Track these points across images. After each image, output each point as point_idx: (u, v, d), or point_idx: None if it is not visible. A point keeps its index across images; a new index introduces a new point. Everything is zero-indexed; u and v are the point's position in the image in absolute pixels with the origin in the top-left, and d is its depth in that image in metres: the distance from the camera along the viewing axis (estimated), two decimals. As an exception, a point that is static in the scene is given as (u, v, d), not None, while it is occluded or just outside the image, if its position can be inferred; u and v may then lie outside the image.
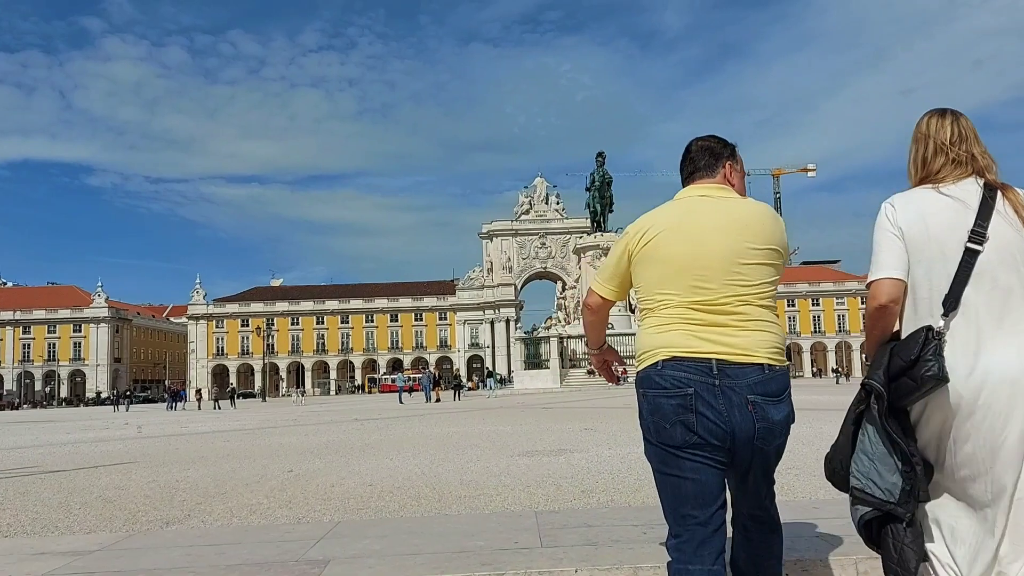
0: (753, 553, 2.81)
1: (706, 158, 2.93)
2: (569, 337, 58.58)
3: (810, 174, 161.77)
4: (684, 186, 2.94)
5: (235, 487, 6.73)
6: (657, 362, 2.59)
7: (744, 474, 2.66)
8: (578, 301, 62.75)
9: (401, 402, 36.91)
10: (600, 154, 64.32)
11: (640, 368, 2.66)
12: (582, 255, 63.23)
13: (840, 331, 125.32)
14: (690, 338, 2.59)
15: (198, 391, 67.11)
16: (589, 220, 68.36)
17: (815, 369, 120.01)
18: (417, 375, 61.86)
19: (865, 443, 2.56)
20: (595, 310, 2.94)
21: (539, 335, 62.86)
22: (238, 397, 63.01)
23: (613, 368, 3.13)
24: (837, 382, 62.82)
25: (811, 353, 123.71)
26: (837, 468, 2.66)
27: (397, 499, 5.70)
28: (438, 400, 37.43)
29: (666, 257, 2.68)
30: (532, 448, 9.11)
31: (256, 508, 5.53)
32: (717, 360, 2.55)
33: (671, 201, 2.90)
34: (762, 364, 2.59)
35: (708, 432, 2.49)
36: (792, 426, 2.61)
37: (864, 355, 3.61)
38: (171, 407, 50.98)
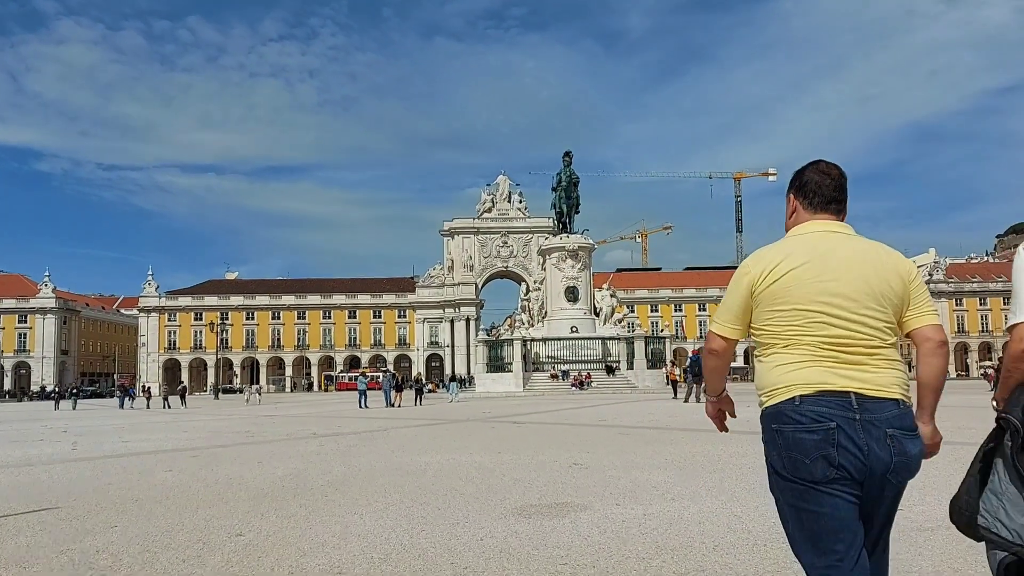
0: None
1: (839, 192, 2.89)
2: (533, 340, 57.53)
3: (771, 178, 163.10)
4: (805, 213, 2.90)
5: (165, 569, 5.36)
6: (794, 397, 2.63)
7: (870, 511, 2.67)
8: (542, 303, 61.74)
9: (362, 406, 35.39)
10: (567, 153, 63.34)
11: (770, 404, 2.71)
12: (547, 256, 62.17)
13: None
14: (827, 374, 2.62)
15: (146, 388, 64.77)
16: (554, 220, 67.23)
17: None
18: (376, 374, 60.11)
19: (995, 481, 2.50)
20: (720, 353, 2.92)
21: (503, 337, 61.59)
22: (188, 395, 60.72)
23: (726, 417, 3.17)
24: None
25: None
26: (963, 508, 2.61)
27: (376, 604, 4.43)
28: (398, 405, 35.97)
29: (798, 294, 2.70)
30: (525, 500, 7.85)
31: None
32: (856, 394, 2.59)
33: (796, 236, 2.86)
34: (897, 400, 2.64)
35: (850, 465, 2.55)
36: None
37: (994, 399, 3.06)
38: (122, 405, 50.14)
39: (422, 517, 7.05)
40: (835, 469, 2.58)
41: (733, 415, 3.17)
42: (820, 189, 2.88)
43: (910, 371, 2.68)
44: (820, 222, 2.86)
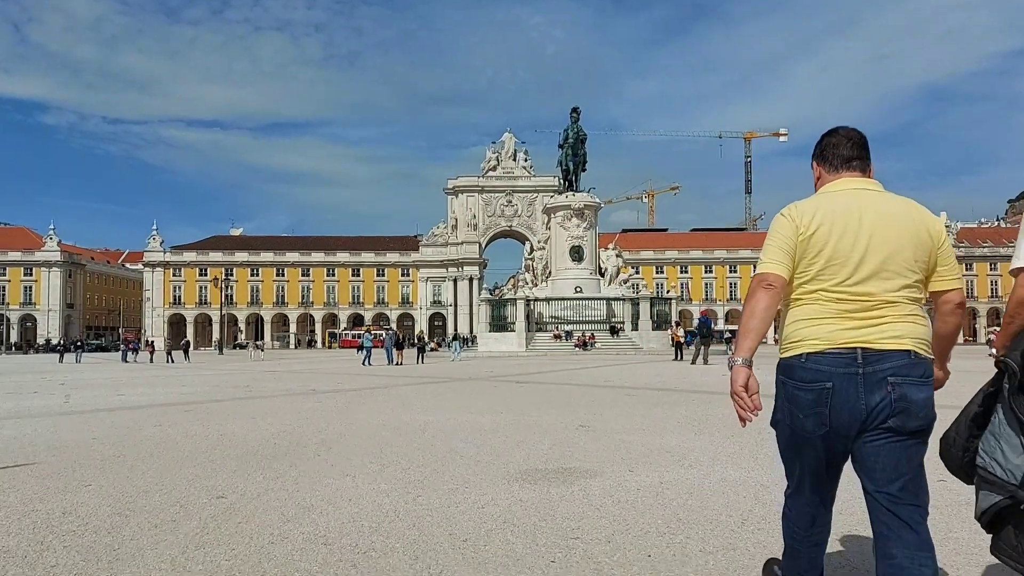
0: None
1: (859, 151, 2.97)
2: (536, 300, 56.98)
3: (782, 138, 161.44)
4: (828, 175, 3.00)
5: (134, 535, 4.84)
6: (801, 354, 2.81)
7: (874, 460, 2.77)
8: (546, 263, 61.05)
9: (366, 363, 35.08)
10: (575, 109, 62.02)
11: (784, 355, 2.91)
12: (552, 215, 61.30)
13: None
14: (838, 331, 2.76)
15: (150, 343, 64.68)
16: (560, 178, 66.16)
17: (777, 336, 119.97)
18: (379, 332, 59.68)
19: (995, 423, 2.61)
20: (775, 288, 2.84)
21: (505, 297, 61.08)
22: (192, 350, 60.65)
23: (752, 403, 2.85)
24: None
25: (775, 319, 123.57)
26: (951, 448, 2.78)
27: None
28: (400, 363, 35.60)
29: (830, 247, 2.79)
30: (529, 463, 7.31)
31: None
32: (863, 349, 2.73)
33: (827, 192, 2.93)
34: (909, 351, 2.76)
35: (839, 423, 2.75)
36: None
37: (993, 348, 2.90)
38: (125, 358, 50.46)
39: (418, 480, 6.53)
40: (825, 427, 2.78)
41: (758, 405, 2.84)
42: (837, 150, 2.96)
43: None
44: (848, 179, 2.92)
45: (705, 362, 30.72)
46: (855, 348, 2.73)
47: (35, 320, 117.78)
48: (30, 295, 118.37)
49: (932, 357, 2.86)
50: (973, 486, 2.71)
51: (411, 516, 5.25)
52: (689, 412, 11.83)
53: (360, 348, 39.39)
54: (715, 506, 5.46)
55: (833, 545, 4.35)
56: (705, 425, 10.10)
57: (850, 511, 4.92)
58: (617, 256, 61.49)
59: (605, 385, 18.92)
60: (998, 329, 3.23)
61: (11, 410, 13.91)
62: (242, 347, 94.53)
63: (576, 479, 6.48)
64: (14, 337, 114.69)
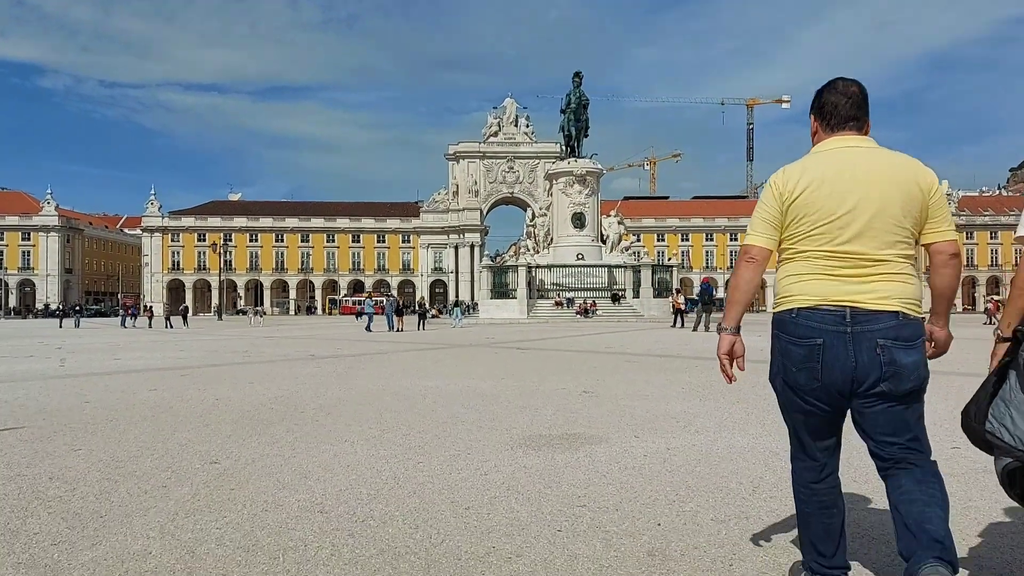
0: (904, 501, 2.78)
1: (857, 110, 2.93)
2: (538, 267, 56.75)
3: (784, 105, 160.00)
4: (824, 133, 2.98)
5: (123, 501, 4.66)
6: (792, 309, 2.85)
7: (870, 420, 2.83)
8: (548, 230, 60.72)
9: (368, 329, 34.98)
10: (577, 74, 61.16)
11: (777, 310, 2.96)
12: (554, 181, 60.76)
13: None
14: (827, 288, 2.78)
15: (148, 308, 64.54)
16: (562, 144, 65.49)
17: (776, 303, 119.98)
18: (380, 298, 59.45)
19: (1005, 390, 2.68)
20: (757, 261, 2.95)
21: (507, 264, 60.79)
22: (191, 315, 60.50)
23: (734, 366, 3.07)
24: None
25: (774, 287, 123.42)
26: (971, 417, 2.82)
27: (362, 550, 3.70)
28: (401, 329, 35.46)
29: (816, 208, 2.80)
30: (533, 429, 7.13)
31: (133, 572, 3.47)
32: (851, 308, 2.74)
33: (817, 152, 2.95)
34: (897, 312, 2.75)
35: (831, 380, 2.78)
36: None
37: (995, 321, 2.85)
38: (124, 324, 50.21)
39: (419, 446, 6.34)
40: (817, 382, 2.81)
41: (742, 367, 3.06)
42: (836, 110, 2.93)
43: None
44: (840, 138, 2.91)
45: (707, 329, 30.56)
46: (844, 306, 2.75)
47: (34, 285, 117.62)
48: (28, 260, 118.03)
49: (922, 317, 2.86)
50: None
51: (411, 483, 5.06)
52: (693, 378, 11.66)
53: (359, 315, 39.26)
54: (724, 473, 5.27)
55: (848, 516, 4.16)
56: (709, 391, 9.92)
57: (864, 479, 4.73)
58: (619, 223, 61.10)
59: (607, 352, 18.75)
60: (996, 298, 3.12)
61: (3, 374, 13.74)
62: (242, 313, 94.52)
63: (581, 445, 6.29)
64: (13, 302, 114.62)
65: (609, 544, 3.78)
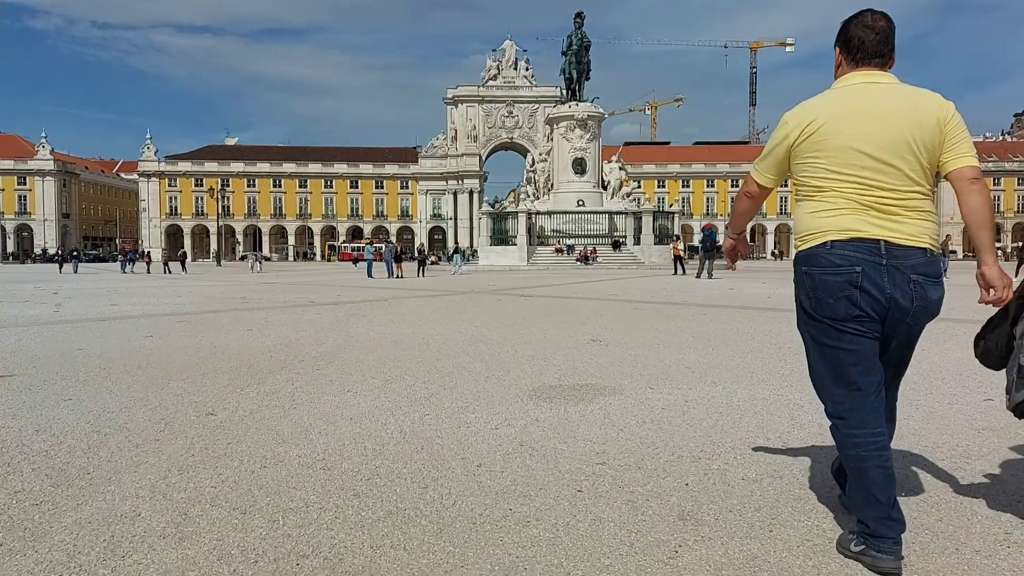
0: None
1: (883, 45, 2.88)
2: (538, 213, 56.21)
3: (788, 48, 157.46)
4: (848, 67, 2.93)
5: (112, 456, 4.38)
6: (826, 242, 2.81)
7: (885, 348, 2.92)
8: (548, 176, 59.99)
9: (370, 275, 34.75)
10: (579, 14, 59.72)
11: (804, 247, 2.91)
12: (555, 126, 59.84)
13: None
14: (859, 222, 2.77)
15: (146, 253, 64.15)
16: (563, 87, 64.33)
17: (777, 251, 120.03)
18: (380, 244, 58.97)
19: None
20: (755, 197, 3.16)
21: (507, 210, 60.14)
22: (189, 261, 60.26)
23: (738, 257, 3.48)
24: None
25: (775, 234, 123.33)
26: (992, 347, 3.10)
27: (368, 512, 3.42)
28: (400, 276, 35.16)
29: (835, 145, 2.78)
30: (542, 380, 6.85)
31: (120, 536, 3.19)
32: (885, 242, 2.74)
33: (838, 87, 2.92)
34: (925, 248, 2.79)
35: (870, 307, 2.78)
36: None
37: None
38: (124, 268, 50.49)
39: (425, 398, 6.06)
40: (856, 308, 2.78)
41: (744, 255, 3.50)
42: (863, 45, 2.87)
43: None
44: (862, 73, 2.87)
45: (709, 276, 30.27)
46: (878, 240, 2.75)
47: (31, 230, 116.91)
48: (25, 204, 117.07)
49: (941, 253, 3.08)
50: (1006, 376, 3.07)
51: (418, 437, 4.78)
52: (702, 327, 11.37)
53: (355, 261, 38.94)
54: (749, 427, 4.99)
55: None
56: (721, 340, 9.64)
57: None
58: (620, 169, 60.31)
59: (610, 299, 18.46)
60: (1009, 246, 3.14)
61: (-1, 320, 13.44)
62: (242, 259, 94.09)
63: (594, 397, 6.01)
64: (11, 247, 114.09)
65: (635, 506, 3.50)
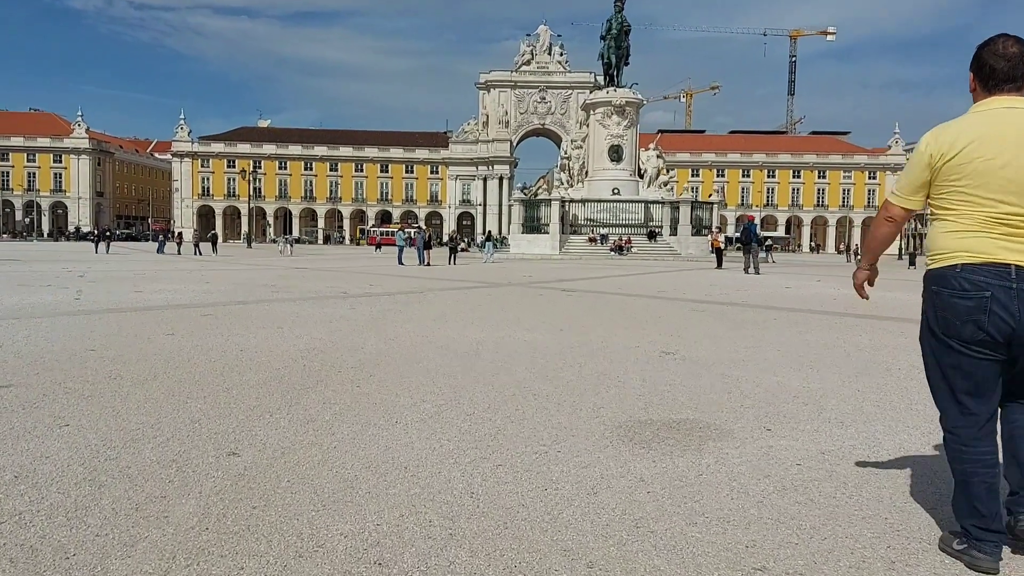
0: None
1: (1016, 71, 2.86)
2: (571, 201, 54.96)
3: (829, 37, 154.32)
4: (983, 92, 2.94)
5: (100, 528, 3.33)
6: (956, 264, 2.84)
7: (1018, 370, 2.90)
8: (583, 163, 58.63)
9: (401, 262, 33.88)
10: (619, -1, 58.00)
11: (934, 266, 2.95)
12: (591, 112, 58.49)
13: (843, 206, 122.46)
14: (991, 245, 2.78)
15: (178, 235, 63.88)
16: (598, 74, 62.91)
17: (813, 244, 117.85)
18: (411, 229, 58.00)
19: None
20: (898, 222, 3.11)
21: (540, 197, 58.95)
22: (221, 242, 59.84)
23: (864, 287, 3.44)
24: (848, 260, 59.82)
25: (811, 227, 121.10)
26: None
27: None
28: (429, 263, 34.17)
29: (974, 168, 2.78)
30: (625, 410, 5.72)
31: None
32: (1016, 267, 2.75)
33: (976, 112, 2.91)
34: None
35: (997, 330, 2.78)
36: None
37: None
38: (161, 249, 49.95)
39: (490, 435, 4.97)
40: (983, 332, 2.80)
41: (872, 284, 3.44)
42: (994, 73, 2.88)
43: None
44: (1001, 99, 2.87)
45: (756, 271, 28.92)
46: (1010, 265, 2.75)
47: (66, 208, 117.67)
48: (60, 182, 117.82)
49: None
50: None
51: (496, 507, 3.68)
52: (780, 336, 10.17)
53: (378, 246, 37.99)
54: (929, 501, 3.81)
55: (924, 472, 2.79)
56: (814, 356, 8.44)
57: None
58: (658, 157, 58.82)
59: (663, 296, 17.28)
60: None
61: (12, 307, 12.59)
62: (273, 242, 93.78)
63: (702, 441, 4.87)
64: (46, 224, 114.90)
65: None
